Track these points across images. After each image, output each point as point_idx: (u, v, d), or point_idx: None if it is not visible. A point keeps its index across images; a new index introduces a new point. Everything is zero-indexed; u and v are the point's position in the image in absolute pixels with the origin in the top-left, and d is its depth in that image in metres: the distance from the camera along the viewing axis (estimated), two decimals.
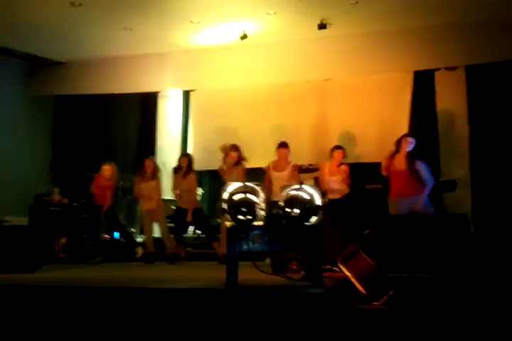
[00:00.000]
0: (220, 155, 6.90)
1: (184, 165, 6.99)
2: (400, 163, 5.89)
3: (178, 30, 7.82)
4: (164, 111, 9.39)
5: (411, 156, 5.88)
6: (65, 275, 4.63)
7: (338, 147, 6.66)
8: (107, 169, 7.16)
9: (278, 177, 6.51)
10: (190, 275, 4.57)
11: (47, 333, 3.02)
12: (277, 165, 6.64)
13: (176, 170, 7.07)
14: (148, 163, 7.08)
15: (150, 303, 2.98)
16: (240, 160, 6.71)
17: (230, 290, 3.01)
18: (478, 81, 7.50)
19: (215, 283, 3.31)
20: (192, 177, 6.99)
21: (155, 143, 9.07)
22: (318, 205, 3.21)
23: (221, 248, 6.27)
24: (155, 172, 7.05)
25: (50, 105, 9.55)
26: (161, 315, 2.91)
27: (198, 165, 8.33)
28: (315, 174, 6.92)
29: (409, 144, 5.87)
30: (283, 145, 6.65)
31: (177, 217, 7.09)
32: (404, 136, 6.05)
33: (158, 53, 8.57)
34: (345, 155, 6.57)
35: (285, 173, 6.57)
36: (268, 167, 6.68)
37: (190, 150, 8.91)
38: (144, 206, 7.05)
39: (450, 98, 7.70)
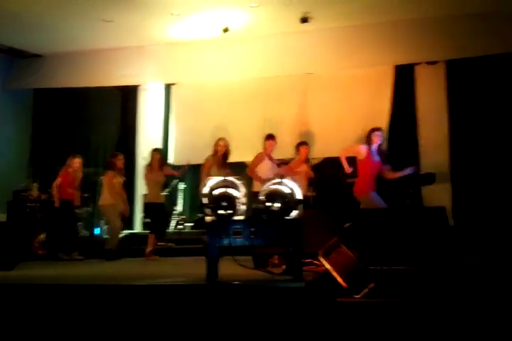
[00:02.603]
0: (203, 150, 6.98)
1: (156, 160, 6.88)
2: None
3: (158, 23, 7.72)
4: (145, 104, 9.28)
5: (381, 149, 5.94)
6: (42, 273, 4.56)
7: (303, 143, 6.96)
8: (78, 161, 7.05)
9: (271, 167, 6.62)
10: (171, 271, 4.54)
11: (25, 331, 2.97)
12: (270, 157, 6.74)
13: (149, 165, 6.93)
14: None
15: (131, 300, 2.95)
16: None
17: (210, 285, 3.00)
18: (458, 75, 7.57)
19: (196, 278, 3.29)
20: (162, 172, 6.93)
21: (135, 138, 8.99)
22: (299, 199, 3.21)
23: None
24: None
25: (29, 99, 9.38)
26: (142, 312, 2.89)
27: (179, 160, 8.33)
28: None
29: (380, 138, 5.92)
30: (273, 137, 6.80)
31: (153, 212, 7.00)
32: (374, 129, 6.02)
33: (139, 46, 8.45)
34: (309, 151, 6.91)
35: (275, 165, 6.73)
36: (262, 154, 6.72)
37: (171, 145, 8.86)
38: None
39: (430, 92, 7.76)
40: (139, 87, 9.14)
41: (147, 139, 8.92)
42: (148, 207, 7.16)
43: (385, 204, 5.42)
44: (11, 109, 8.99)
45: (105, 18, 7.44)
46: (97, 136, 9.21)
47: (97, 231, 8.20)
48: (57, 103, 9.18)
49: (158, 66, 8.57)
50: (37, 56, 8.97)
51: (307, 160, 7.01)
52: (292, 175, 6.41)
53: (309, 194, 6.74)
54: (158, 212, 6.90)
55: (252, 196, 3.61)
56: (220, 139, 6.76)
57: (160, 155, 7.02)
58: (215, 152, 6.67)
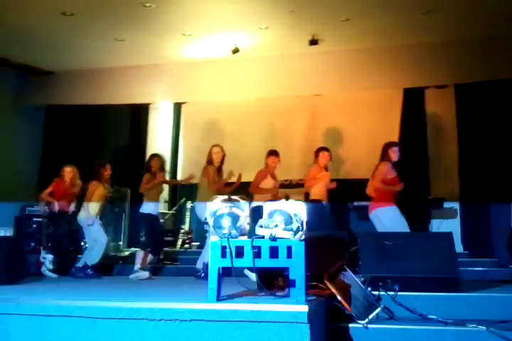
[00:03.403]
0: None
1: (156, 166, 6.38)
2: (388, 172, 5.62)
3: (169, 43, 7.84)
4: (155, 123, 9.39)
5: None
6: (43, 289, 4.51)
7: (323, 148, 6.50)
8: (68, 170, 6.65)
9: (273, 184, 6.24)
10: (170, 290, 4.47)
11: None
12: (272, 174, 6.29)
13: (147, 172, 6.40)
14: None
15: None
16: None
17: (212, 305, 2.94)
18: (468, 99, 7.56)
19: (196, 298, 3.23)
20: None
21: (145, 155, 9.01)
22: (303, 221, 3.16)
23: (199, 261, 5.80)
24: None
25: (41, 115, 9.49)
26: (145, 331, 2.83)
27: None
28: (300, 189, 6.88)
29: (397, 154, 5.62)
30: (276, 153, 6.36)
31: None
32: (391, 144, 5.73)
33: (150, 65, 8.57)
34: (331, 158, 6.46)
35: (277, 184, 6.32)
36: (264, 171, 6.25)
37: (180, 163, 8.88)
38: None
39: (440, 116, 7.77)
40: (150, 106, 9.23)
41: None
42: (145, 218, 6.41)
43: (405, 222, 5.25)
44: (23, 125, 9.09)
45: (117, 37, 7.56)
46: (107, 153, 9.25)
47: None
48: (69, 120, 9.26)
49: (169, 85, 8.66)
50: (50, 73, 9.10)
51: (326, 168, 6.48)
52: (313, 182, 6.27)
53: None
54: (154, 224, 6.39)
55: (254, 213, 3.53)
56: (214, 146, 6.19)
57: (161, 161, 6.51)
58: (211, 160, 6.08)
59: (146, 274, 5.94)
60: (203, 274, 5.41)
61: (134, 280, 5.79)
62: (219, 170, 6.12)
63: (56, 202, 6.55)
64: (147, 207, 6.26)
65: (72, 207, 6.66)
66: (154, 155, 6.57)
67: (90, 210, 6.37)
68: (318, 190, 6.30)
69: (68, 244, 6.98)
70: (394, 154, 5.56)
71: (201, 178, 6.09)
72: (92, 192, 6.41)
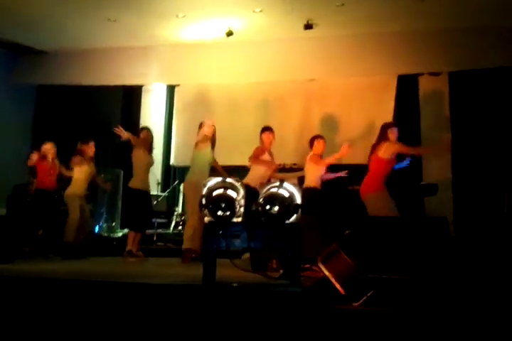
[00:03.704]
0: None
1: (148, 140, 6.30)
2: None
3: (163, 24, 7.73)
4: (148, 105, 9.30)
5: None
6: (38, 268, 4.52)
7: (317, 136, 6.40)
8: (50, 148, 6.51)
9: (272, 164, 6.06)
10: (168, 271, 4.49)
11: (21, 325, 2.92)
12: (268, 150, 6.10)
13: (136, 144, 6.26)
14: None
15: (125, 298, 2.91)
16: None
17: (207, 286, 2.95)
18: (461, 87, 7.57)
19: (193, 279, 3.24)
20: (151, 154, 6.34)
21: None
22: (298, 204, 3.17)
23: (185, 242, 5.60)
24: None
25: (32, 95, 9.38)
26: (137, 310, 2.84)
27: (179, 161, 8.32)
28: (298, 174, 6.86)
29: (396, 134, 5.46)
30: (270, 129, 6.14)
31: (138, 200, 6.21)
32: (389, 125, 5.57)
33: (143, 46, 8.46)
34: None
35: (274, 162, 6.14)
36: (261, 148, 6.05)
37: (173, 146, 8.83)
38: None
39: (433, 103, 7.77)
40: (143, 87, 9.14)
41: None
42: (134, 195, 6.21)
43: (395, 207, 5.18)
44: (14, 105, 8.96)
45: (110, 17, 7.45)
46: (99, 134, 9.15)
47: (96, 229, 8.15)
48: (60, 100, 9.16)
49: (162, 67, 8.57)
50: (42, 53, 8.96)
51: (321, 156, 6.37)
52: (318, 168, 6.17)
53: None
54: (144, 201, 6.20)
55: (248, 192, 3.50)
56: (207, 120, 5.94)
57: (151, 134, 6.39)
58: (206, 136, 5.75)
59: (133, 259, 5.85)
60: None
61: (125, 262, 5.77)
62: (212, 144, 5.90)
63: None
64: (135, 183, 6.19)
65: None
66: (145, 128, 6.58)
67: (73, 187, 6.31)
68: (314, 177, 6.26)
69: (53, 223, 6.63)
70: (393, 135, 5.44)
71: (194, 153, 5.87)
72: (74, 168, 6.36)
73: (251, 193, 3.49)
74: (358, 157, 7.05)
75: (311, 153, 6.36)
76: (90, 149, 6.51)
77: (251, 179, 5.78)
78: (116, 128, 6.25)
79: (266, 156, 6.04)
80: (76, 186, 6.38)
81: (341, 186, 6.67)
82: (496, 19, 6.96)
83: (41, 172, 6.50)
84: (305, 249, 3.25)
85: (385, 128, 5.50)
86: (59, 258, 5.96)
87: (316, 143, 6.32)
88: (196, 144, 5.83)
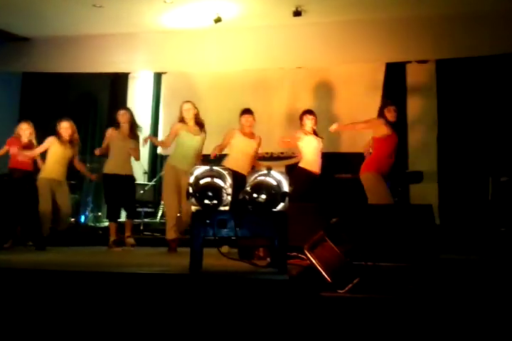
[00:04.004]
0: None
1: (125, 121, 5.92)
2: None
3: (150, 10, 7.64)
4: (134, 92, 9.24)
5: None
6: (21, 259, 4.49)
7: (307, 111, 6.10)
8: (25, 128, 6.12)
9: (247, 144, 5.75)
10: (155, 260, 4.49)
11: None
12: (245, 133, 5.80)
13: (115, 128, 5.92)
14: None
15: (111, 288, 2.91)
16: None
17: (193, 275, 2.96)
18: (448, 75, 7.60)
19: (178, 268, 3.25)
20: (133, 140, 5.95)
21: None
22: (286, 192, 3.17)
23: (168, 233, 5.50)
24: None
25: (17, 82, 9.25)
26: (123, 300, 2.84)
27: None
28: (285, 162, 6.87)
29: (395, 114, 5.38)
30: (249, 111, 5.85)
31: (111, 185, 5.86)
32: (387, 104, 5.47)
33: (130, 33, 8.36)
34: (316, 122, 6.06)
35: (254, 143, 5.82)
36: (233, 130, 5.80)
37: (160, 134, 8.77)
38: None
39: (420, 91, 7.81)
40: (130, 75, 9.06)
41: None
42: (111, 180, 5.81)
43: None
44: None
45: (96, 3, 7.34)
46: (85, 122, 9.08)
47: (82, 218, 8.13)
48: (46, 87, 9.05)
49: (149, 54, 8.49)
50: (26, 39, 8.82)
51: (315, 132, 6.10)
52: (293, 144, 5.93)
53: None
54: (124, 186, 5.84)
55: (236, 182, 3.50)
56: (184, 102, 5.76)
57: (131, 116, 5.98)
58: (182, 118, 5.64)
59: (118, 249, 5.69)
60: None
61: (110, 252, 5.64)
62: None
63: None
64: (109, 167, 5.87)
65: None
66: (124, 108, 6.19)
67: (43, 171, 5.91)
68: (312, 159, 5.97)
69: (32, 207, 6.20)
70: (389, 113, 5.34)
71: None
72: (43, 148, 5.94)
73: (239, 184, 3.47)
74: (344, 145, 7.09)
75: (299, 130, 6.07)
76: (63, 130, 5.97)
77: (227, 161, 5.62)
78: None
79: (239, 138, 5.74)
80: (46, 169, 5.93)
81: (328, 174, 6.70)
82: (483, 6, 6.97)
83: (14, 151, 6.02)
84: (291, 237, 3.26)
85: (382, 107, 5.46)
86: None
87: (305, 118, 6.05)
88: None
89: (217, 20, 7.66)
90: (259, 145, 5.89)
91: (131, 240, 5.91)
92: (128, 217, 6.08)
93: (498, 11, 6.99)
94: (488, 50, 7.11)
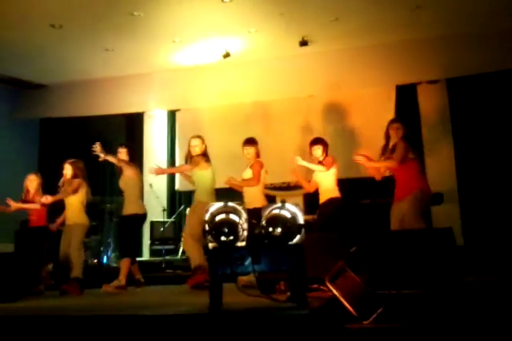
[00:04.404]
0: None
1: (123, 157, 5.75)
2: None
3: (160, 50, 7.85)
4: (150, 131, 9.36)
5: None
6: (45, 304, 4.49)
7: (314, 141, 5.79)
8: (32, 179, 5.97)
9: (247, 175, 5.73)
10: (175, 300, 4.44)
11: None
12: (250, 165, 5.80)
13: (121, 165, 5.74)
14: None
15: (131, 331, 2.89)
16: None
17: (213, 314, 2.93)
18: (460, 93, 7.57)
19: (199, 307, 3.22)
20: (130, 172, 5.71)
21: (142, 164, 8.98)
22: (301, 224, 3.15)
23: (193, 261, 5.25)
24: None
25: (35, 129, 9.47)
26: None
27: (184, 186, 8.31)
28: (303, 190, 6.79)
29: (397, 130, 4.93)
30: (246, 142, 5.87)
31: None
32: (391, 122, 5.08)
33: (142, 74, 8.58)
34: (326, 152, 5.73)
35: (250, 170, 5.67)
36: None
37: None
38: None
39: (433, 111, 7.79)
40: (145, 114, 9.22)
41: (153, 165, 8.89)
42: (133, 221, 5.58)
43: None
44: (18, 140, 9.05)
45: (107, 47, 7.57)
46: (104, 163, 9.19)
47: (104, 260, 8.15)
48: (64, 132, 9.25)
49: (162, 93, 8.67)
50: (42, 86, 9.09)
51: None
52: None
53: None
54: (139, 225, 5.71)
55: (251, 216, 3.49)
56: (192, 138, 5.72)
57: (133, 152, 5.86)
58: (189, 154, 5.65)
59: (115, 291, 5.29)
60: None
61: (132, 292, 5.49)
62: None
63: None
64: (137, 207, 5.62)
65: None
66: (124, 145, 6.05)
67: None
68: (332, 186, 5.64)
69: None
70: (393, 131, 4.93)
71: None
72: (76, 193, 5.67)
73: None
74: (359, 170, 7.02)
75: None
76: (64, 170, 5.87)
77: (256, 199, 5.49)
78: (94, 145, 5.67)
79: (246, 172, 5.73)
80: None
81: (352, 200, 6.59)
82: (490, 24, 7.02)
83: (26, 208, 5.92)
84: (311, 268, 3.23)
85: (387, 127, 5.06)
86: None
87: (312, 149, 5.77)
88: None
89: (226, 55, 7.80)
90: (256, 169, 5.69)
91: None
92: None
93: (504, 27, 7.00)
94: (497, 65, 7.10)
